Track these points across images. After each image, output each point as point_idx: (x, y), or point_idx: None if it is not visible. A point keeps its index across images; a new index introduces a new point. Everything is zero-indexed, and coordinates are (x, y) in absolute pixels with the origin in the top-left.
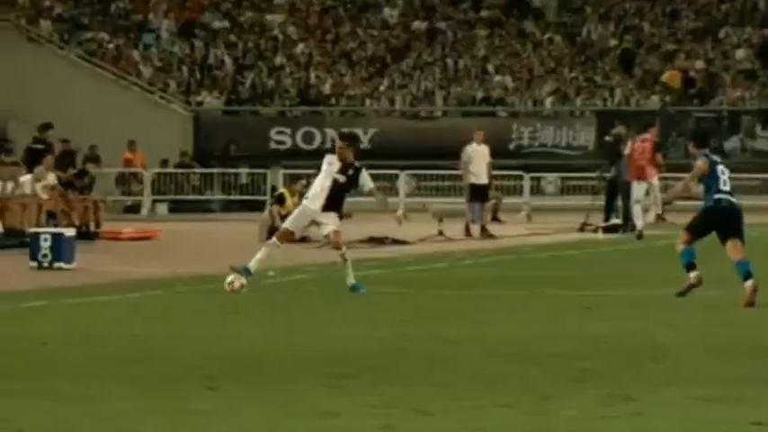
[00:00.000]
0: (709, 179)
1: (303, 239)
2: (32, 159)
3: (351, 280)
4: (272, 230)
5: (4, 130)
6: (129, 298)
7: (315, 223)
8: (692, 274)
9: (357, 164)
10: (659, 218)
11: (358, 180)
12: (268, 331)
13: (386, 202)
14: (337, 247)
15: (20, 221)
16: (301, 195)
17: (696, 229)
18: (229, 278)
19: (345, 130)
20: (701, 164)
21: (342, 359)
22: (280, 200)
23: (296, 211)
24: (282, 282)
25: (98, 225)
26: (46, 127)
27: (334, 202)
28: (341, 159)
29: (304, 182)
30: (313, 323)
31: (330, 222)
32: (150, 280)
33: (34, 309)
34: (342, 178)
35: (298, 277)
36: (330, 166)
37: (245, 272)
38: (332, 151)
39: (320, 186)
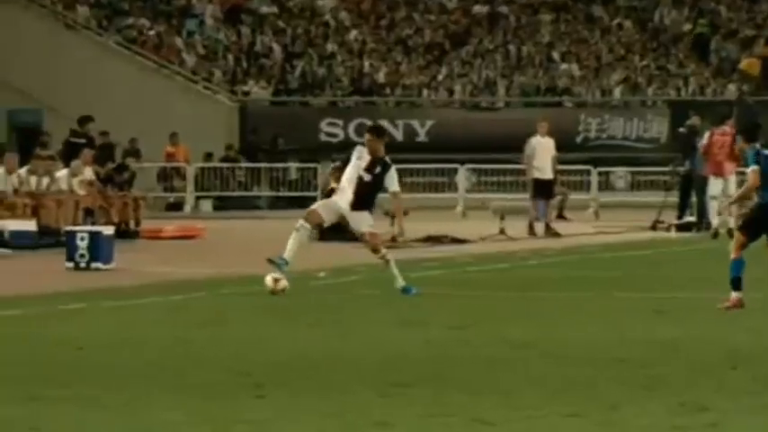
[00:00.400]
0: (764, 176)
1: (355, 238)
2: (71, 154)
3: (400, 282)
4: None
5: (38, 123)
6: (172, 300)
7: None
8: (735, 296)
9: (387, 159)
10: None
11: (384, 179)
12: (319, 336)
13: (401, 211)
14: (375, 250)
15: (55, 219)
16: None
17: (749, 228)
18: (269, 277)
19: (373, 123)
20: (750, 177)
21: (397, 366)
22: (330, 194)
23: (327, 200)
24: (333, 283)
25: (138, 223)
26: (86, 120)
27: (362, 200)
28: (371, 153)
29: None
30: (366, 327)
31: (363, 222)
32: (193, 281)
33: (70, 311)
34: (367, 177)
35: (349, 278)
36: (359, 161)
37: (283, 262)
38: (387, 145)
39: (347, 179)
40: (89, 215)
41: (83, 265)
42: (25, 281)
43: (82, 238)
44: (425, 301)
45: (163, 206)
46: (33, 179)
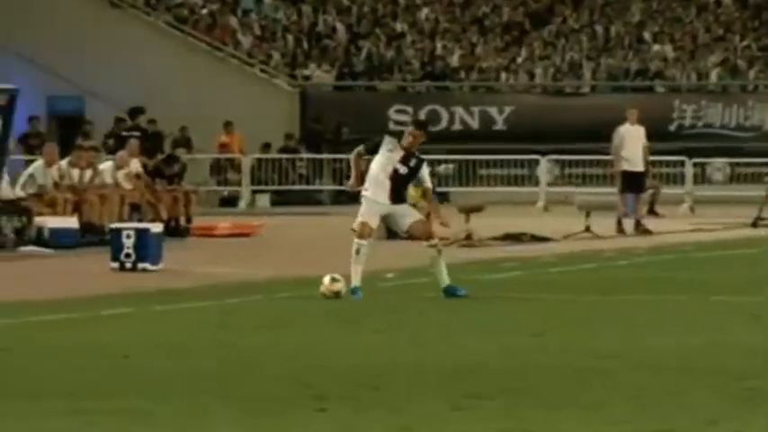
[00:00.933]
0: None
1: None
2: (121, 147)
3: (445, 280)
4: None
5: (80, 110)
6: (225, 304)
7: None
8: None
9: (419, 155)
10: None
11: (418, 172)
12: (386, 342)
13: (437, 207)
14: (430, 237)
15: (99, 215)
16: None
17: None
18: (327, 277)
19: (419, 118)
20: None
21: (472, 376)
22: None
23: (364, 204)
24: (402, 285)
25: (189, 219)
26: (137, 111)
27: (400, 193)
28: (408, 146)
29: (435, 172)
30: (438, 334)
31: (407, 214)
32: (249, 283)
33: (115, 316)
34: (403, 169)
35: (420, 280)
36: (391, 153)
37: (354, 293)
38: (462, 134)
39: (381, 171)
40: (136, 211)
41: (129, 265)
42: (66, 283)
43: (128, 236)
44: (502, 305)
45: (216, 201)
46: (75, 172)
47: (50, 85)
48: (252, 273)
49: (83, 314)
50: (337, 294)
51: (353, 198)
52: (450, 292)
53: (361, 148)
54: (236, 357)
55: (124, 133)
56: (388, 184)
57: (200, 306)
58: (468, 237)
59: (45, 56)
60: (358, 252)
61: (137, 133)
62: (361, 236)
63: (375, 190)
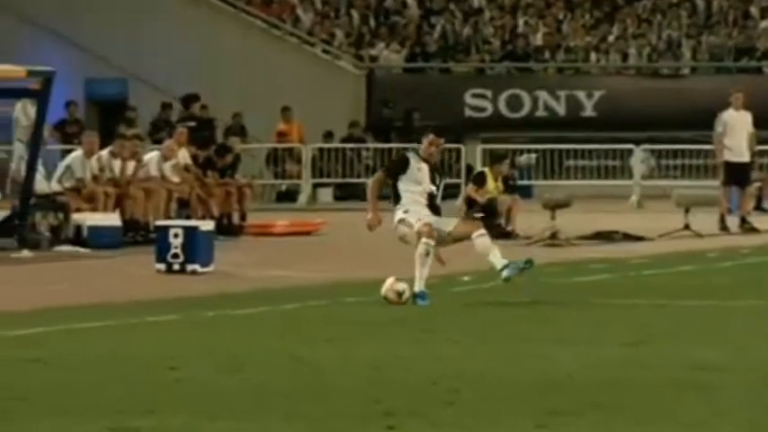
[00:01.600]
0: None
1: (507, 234)
2: (168, 136)
3: (500, 261)
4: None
5: (123, 95)
6: (284, 310)
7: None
8: None
9: (438, 166)
10: None
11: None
12: (461, 353)
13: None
14: (476, 229)
15: (143, 212)
16: (506, 180)
17: None
18: (390, 279)
19: (430, 124)
20: None
21: (557, 391)
22: (478, 180)
23: (409, 217)
24: (479, 289)
25: (243, 216)
26: (191, 99)
27: (435, 209)
28: (427, 159)
29: (508, 161)
30: (519, 343)
31: (447, 220)
32: (310, 287)
33: (161, 324)
34: (433, 189)
35: (499, 284)
36: (420, 172)
37: (420, 299)
38: (546, 121)
39: (418, 195)
40: (184, 207)
41: (176, 267)
42: (107, 286)
43: (175, 235)
44: (590, 311)
45: (272, 196)
46: (117, 163)
47: (90, 66)
48: (313, 275)
49: (125, 321)
50: (400, 296)
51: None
52: (511, 268)
53: (381, 172)
54: (296, 369)
55: (178, 124)
56: (424, 202)
57: (255, 312)
58: (554, 235)
59: (84, 34)
60: (427, 253)
61: (191, 123)
62: (429, 236)
63: (415, 207)
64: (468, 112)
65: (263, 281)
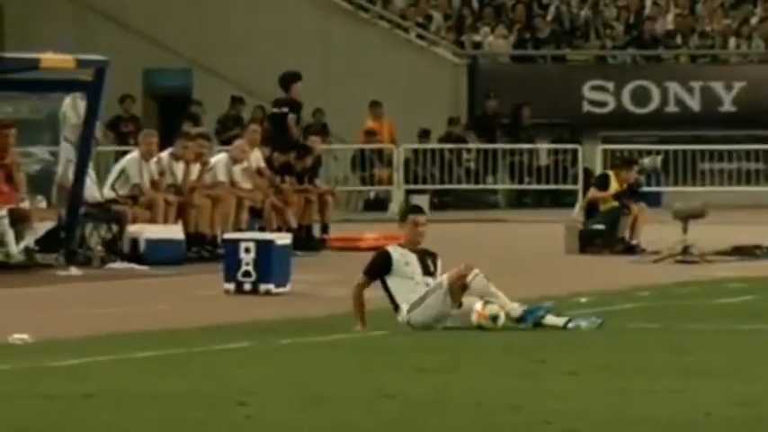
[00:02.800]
0: None
1: (631, 249)
2: (278, 130)
3: (514, 308)
4: (585, 236)
5: (187, 88)
6: (370, 337)
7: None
8: None
9: (428, 249)
10: None
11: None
12: (580, 388)
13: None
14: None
15: (210, 223)
16: (632, 187)
17: None
18: (479, 304)
19: (411, 203)
20: None
21: (694, 429)
22: (601, 182)
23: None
24: (599, 312)
25: (325, 228)
26: (291, 78)
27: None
28: (413, 241)
29: (639, 166)
30: (646, 375)
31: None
32: None
33: (230, 353)
34: (429, 281)
35: (622, 306)
36: (408, 267)
37: (525, 319)
38: (677, 117)
39: (411, 293)
40: (257, 217)
41: (247, 287)
42: (167, 310)
43: (247, 250)
44: (728, 339)
45: (360, 204)
46: (179, 167)
47: (148, 55)
48: None
49: (188, 350)
50: (495, 320)
51: (539, 199)
52: (530, 315)
53: (361, 277)
54: (384, 406)
55: (275, 110)
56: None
57: (337, 340)
58: (686, 250)
59: (142, 19)
60: (487, 279)
61: (285, 109)
62: (467, 268)
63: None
64: (586, 107)
65: (347, 303)
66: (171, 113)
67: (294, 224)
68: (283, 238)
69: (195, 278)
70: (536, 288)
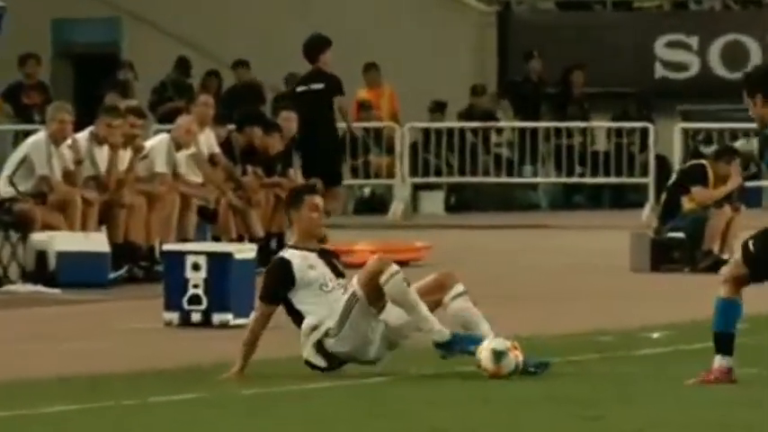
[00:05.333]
0: None
1: (720, 265)
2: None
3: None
4: (659, 248)
5: (113, 43)
6: (364, 385)
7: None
8: (721, 363)
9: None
10: None
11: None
12: None
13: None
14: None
15: (145, 230)
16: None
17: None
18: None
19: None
20: None
21: None
22: (697, 174)
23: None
24: (673, 352)
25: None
26: (320, 46)
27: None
28: (310, 242)
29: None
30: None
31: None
32: (403, 348)
33: (174, 406)
34: (341, 281)
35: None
36: (314, 270)
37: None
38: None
39: (332, 302)
40: (209, 222)
41: (196, 317)
42: (85, 351)
43: (195, 267)
44: None
45: (350, 204)
46: (104, 153)
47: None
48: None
49: (117, 402)
50: (499, 357)
51: (595, 197)
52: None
53: (259, 306)
54: None
55: (300, 89)
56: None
57: (318, 390)
58: None
59: None
60: (407, 283)
61: (323, 86)
62: (383, 261)
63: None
64: (659, 71)
65: None
66: (91, 80)
67: (260, 231)
68: (245, 251)
69: (125, 306)
70: (590, 319)
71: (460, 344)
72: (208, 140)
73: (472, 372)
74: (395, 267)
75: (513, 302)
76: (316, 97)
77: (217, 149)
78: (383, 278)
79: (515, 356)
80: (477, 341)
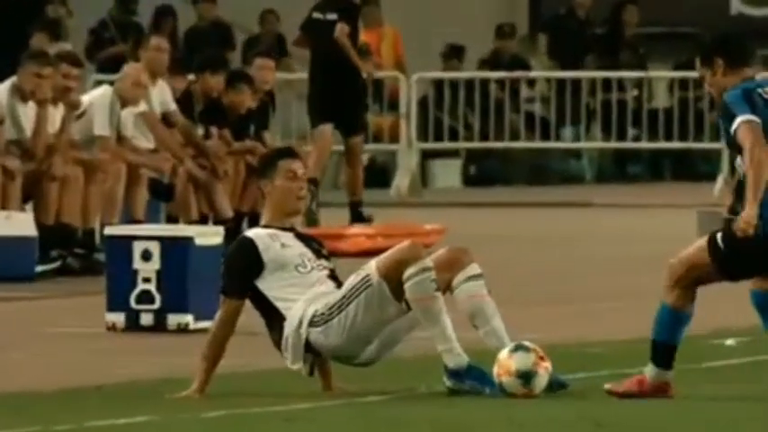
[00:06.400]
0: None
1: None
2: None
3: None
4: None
5: None
6: (360, 408)
7: None
8: (653, 373)
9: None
10: None
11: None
12: None
13: None
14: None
15: (82, 209)
16: None
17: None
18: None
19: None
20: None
21: None
22: None
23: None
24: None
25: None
26: None
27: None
28: (290, 213)
29: None
30: None
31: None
32: (404, 359)
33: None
34: (328, 266)
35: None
36: (287, 249)
37: (472, 379)
38: None
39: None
40: (164, 199)
41: (147, 319)
42: (3, 363)
43: (146, 256)
44: None
45: (343, 175)
46: (29, 111)
47: None
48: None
49: (45, 428)
50: (527, 380)
51: (653, 166)
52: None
53: (224, 302)
54: None
55: (316, 15)
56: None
57: (297, 412)
58: None
59: None
60: (437, 289)
61: (336, 18)
62: (417, 253)
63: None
64: (736, 6)
65: None
66: (12, 18)
67: (228, 210)
68: (210, 236)
69: (56, 305)
70: (645, 322)
71: (476, 380)
72: (161, 95)
73: None
74: (428, 263)
75: (548, 303)
76: (329, 29)
77: (173, 106)
78: (410, 271)
79: (545, 370)
80: (494, 385)
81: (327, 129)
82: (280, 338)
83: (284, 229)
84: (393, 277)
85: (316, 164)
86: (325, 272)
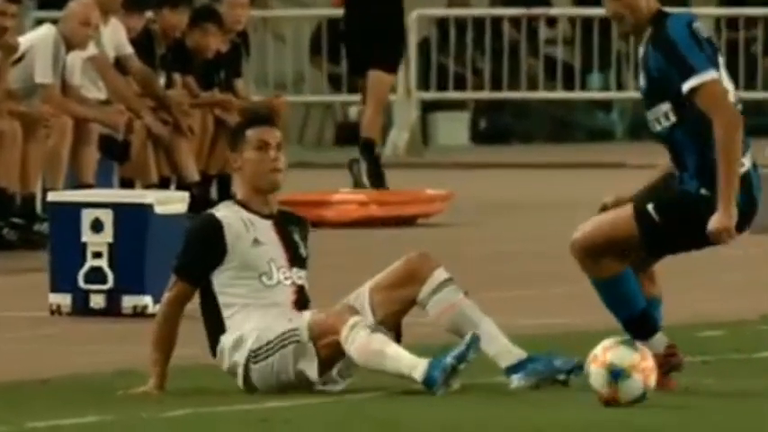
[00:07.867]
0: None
1: None
2: None
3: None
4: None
5: None
6: (342, 406)
7: None
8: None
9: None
10: None
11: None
12: None
13: None
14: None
15: (20, 171)
16: None
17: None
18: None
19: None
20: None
21: None
22: None
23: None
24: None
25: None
26: None
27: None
28: (265, 189)
29: None
30: None
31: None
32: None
33: None
34: (301, 275)
35: None
36: (258, 247)
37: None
38: None
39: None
40: (116, 157)
41: (98, 300)
42: None
43: (96, 226)
44: None
45: (329, 131)
46: None
47: None
48: (414, 320)
49: None
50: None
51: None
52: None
53: (174, 283)
54: None
55: None
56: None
57: (271, 411)
58: None
59: None
60: (373, 331)
61: None
62: (350, 312)
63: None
64: None
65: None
66: None
67: (194, 173)
68: (172, 202)
69: None
70: (690, 307)
71: (441, 364)
72: (115, 36)
73: (500, 383)
74: (353, 319)
75: (573, 282)
76: None
77: (129, 50)
78: (342, 336)
79: (642, 378)
80: (469, 347)
81: (381, 74)
82: (215, 344)
83: (263, 216)
84: (322, 336)
85: (371, 121)
86: (292, 289)
